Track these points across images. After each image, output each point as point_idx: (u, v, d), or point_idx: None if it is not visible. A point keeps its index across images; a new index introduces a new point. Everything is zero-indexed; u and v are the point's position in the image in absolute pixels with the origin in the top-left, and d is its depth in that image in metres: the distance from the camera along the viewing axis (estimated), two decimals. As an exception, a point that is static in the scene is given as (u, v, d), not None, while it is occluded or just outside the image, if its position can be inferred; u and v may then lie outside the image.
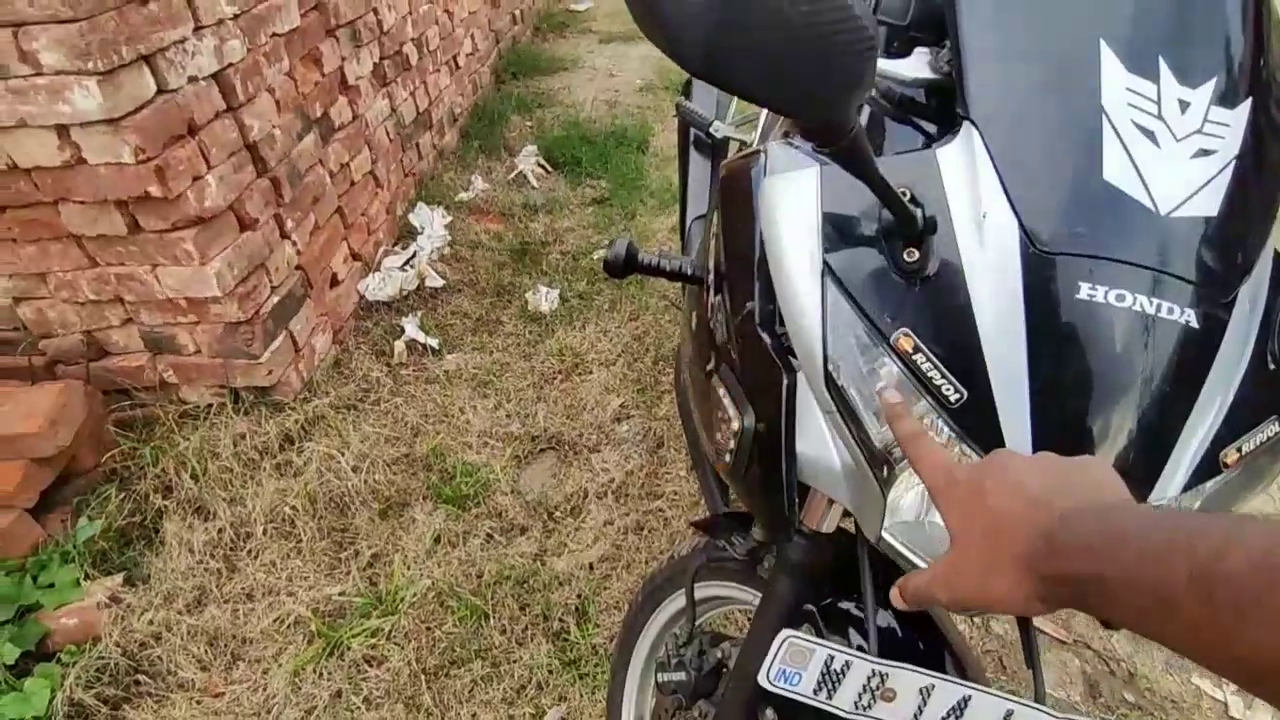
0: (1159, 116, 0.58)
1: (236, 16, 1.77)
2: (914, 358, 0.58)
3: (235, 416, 1.94)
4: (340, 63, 2.32)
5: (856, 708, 0.67)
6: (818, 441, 0.69)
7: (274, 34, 1.94)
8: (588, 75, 4.30)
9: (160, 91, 1.58)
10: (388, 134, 2.71)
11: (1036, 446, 0.56)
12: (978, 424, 0.57)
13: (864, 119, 0.80)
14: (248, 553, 1.70)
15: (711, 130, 1.75)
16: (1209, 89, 0.59)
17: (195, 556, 1.68)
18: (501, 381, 2.21)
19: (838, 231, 0.62)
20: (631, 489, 1.85)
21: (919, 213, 0.57)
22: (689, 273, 1.07)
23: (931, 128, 0.70)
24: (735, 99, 1.97)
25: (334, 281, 2.32)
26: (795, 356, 0.67)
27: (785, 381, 0.69)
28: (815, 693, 0.67)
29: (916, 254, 0.59)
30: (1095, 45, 0.59)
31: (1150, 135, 0.57)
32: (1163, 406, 0.56)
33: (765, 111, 1.56)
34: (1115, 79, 0.58)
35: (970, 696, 0.66)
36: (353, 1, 2.36)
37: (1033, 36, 0.63)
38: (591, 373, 2.22)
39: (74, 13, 1.36)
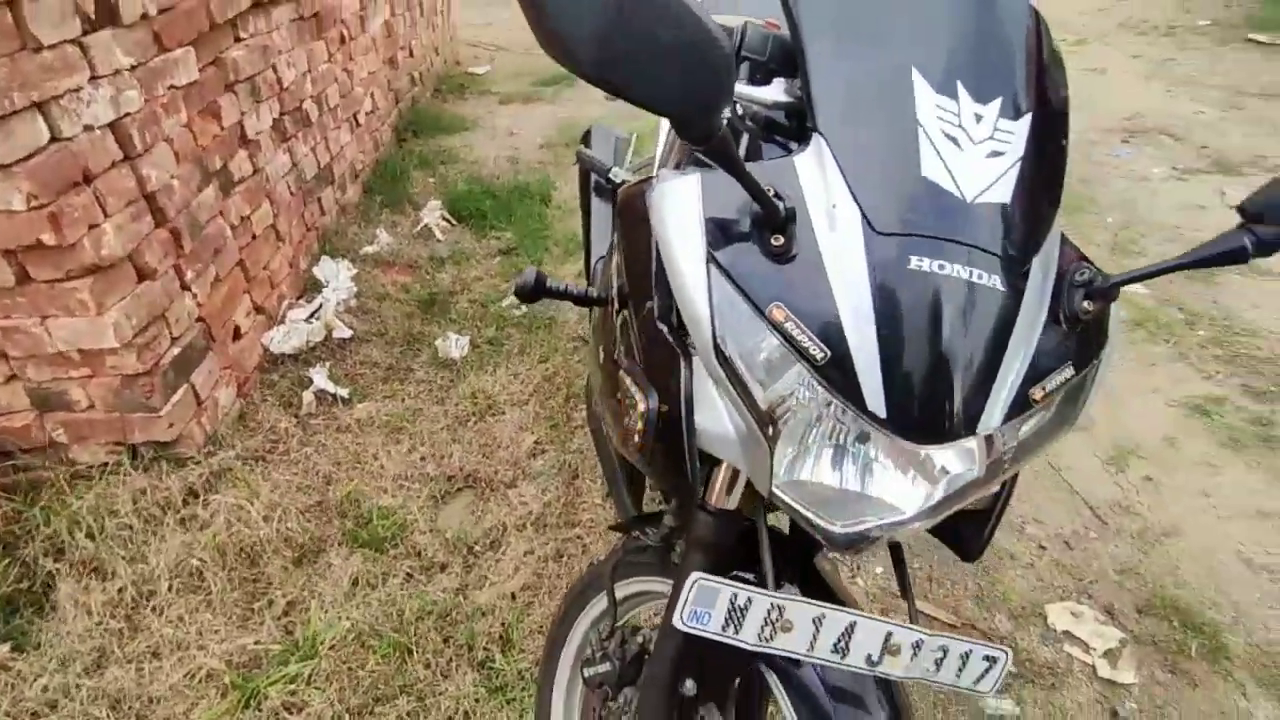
0: (959, 126, 0.71)
1: (134, 68, 1.78)
2: (785, 325, 0.67)
3: (134, 473, 1.87)
4: (239, 117, 2.33)
5: (760, 639, 0.74)
6: (713, 414, 0.77)
7: (172, 86, 1.95)
8: (489, 134, 4.42)
9: (54, 139, 1.57)
10: (289, 188, 2.72)
11: (886, 390, 0.66)
12: (840, 376, 0.66)
13: (745, 139, 0.92)
14: (152, 609, 1.63)
15: (610, 175, 1.87)
16: (997, 105, 0.73)
17: (94, 618, 1.60)
18: (415, 426, 2.21)
19: (717, 227, 0.71)
20: (549, 519, 1.88)
21: (781, 206, 0.68)
22: (593, 296, 1.16)
23: (790, 141, 0.82)
24: (631, 146, 2.12)
25: (237, 334, 2.29)
26: (690, 342, 0.76)
27: (682, 364, 0.78)
28: (723, 629, 0.74)
29: (782, 240, 0.69)
30: (909, 73, 0.73)
31: (954, 140, 0.71)
32: (981, 353, 0.67)
33: (659, 155, 1.69)
34: (926, 98, 0.72)
35: (856, 622, 0.74)
36: (251, 58, 2.39)
37: (863, 68, 0.76)
38: (505, 413, 2.25)
39: (-33, 60, 1.36)
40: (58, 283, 1.66)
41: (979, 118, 0.73)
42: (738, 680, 1.00)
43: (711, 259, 0.71)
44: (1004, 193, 0.71)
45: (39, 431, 1.87)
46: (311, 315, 2.57)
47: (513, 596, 1.69)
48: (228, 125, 2.26)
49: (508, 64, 5.52)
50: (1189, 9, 6.35)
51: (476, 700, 1.51)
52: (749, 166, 0.66)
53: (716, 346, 0.71)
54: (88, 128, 1.65)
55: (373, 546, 1.82)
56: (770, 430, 0.72)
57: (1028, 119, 0.74)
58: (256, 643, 1.60)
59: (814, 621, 0.75)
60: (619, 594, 1.12)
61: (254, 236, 2.44)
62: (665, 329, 0.81)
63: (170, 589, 1.67)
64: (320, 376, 2.31)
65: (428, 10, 4.82)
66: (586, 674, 1.11)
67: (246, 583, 1.72)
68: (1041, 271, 0.73)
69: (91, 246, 1.66)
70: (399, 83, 4.24)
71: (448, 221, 3.35)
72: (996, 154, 0.72)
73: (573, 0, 0.54)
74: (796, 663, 0.87)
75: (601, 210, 2.00)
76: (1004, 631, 1.62)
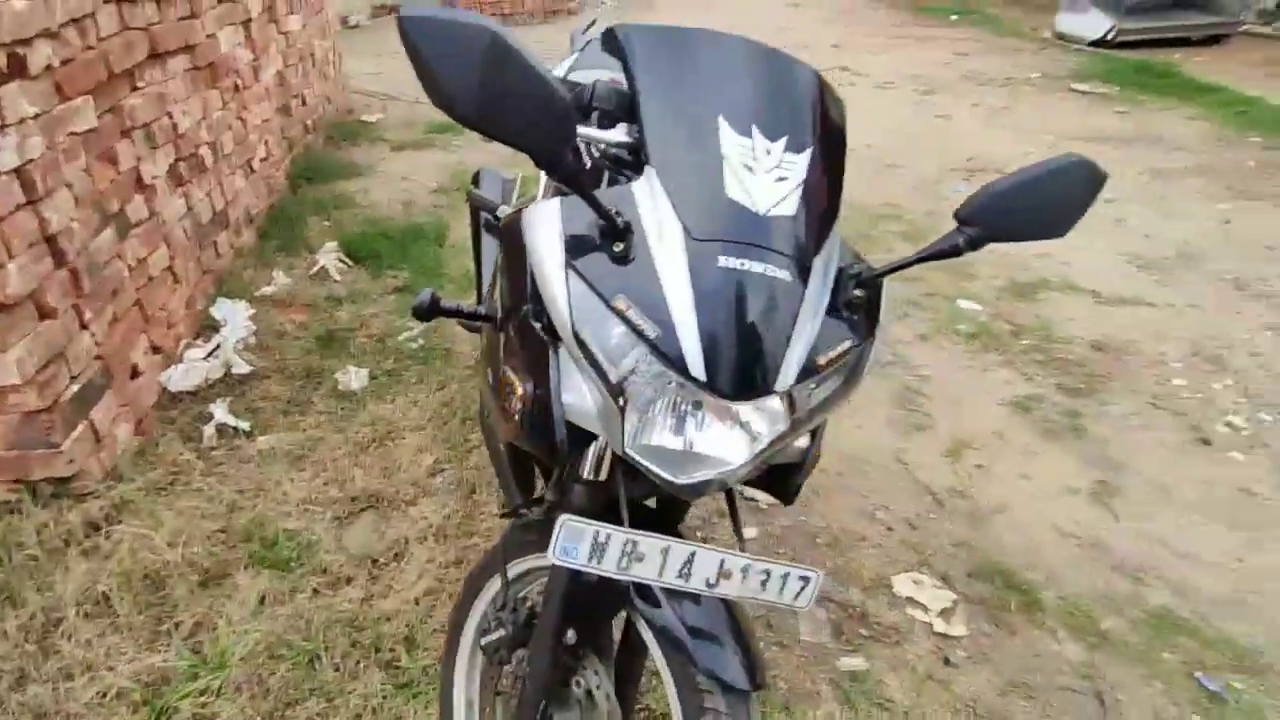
0: (754, 158, 0.95)
1: (37, 116, 1.86)
2: (627, 313, 0.88)
3: (35, 509, 1.90)
4: (136, 162, 2.41)
5: (619, 568, 0.94)
6: (578, 393, 0.97)
7: (72, 133, 2.03)
8: (383, 179, 4.54)
9: (-41, 184, 1.64)
10: (185, 232, 2.78)
11: (705, 359, 0.87)
12: (670, 350, 0.87)
13: (605, 174, 1.14)
14: (62, 634, 1.67)
15: (498, 213, 2.06)
16: (784, 142, 0.97)
17: (11, 641, 1.63)
18: (317, 454, 2.31)
19: (574, 240, 0.92)
20: (449, 530, 2.02)
21: (620, 221, 0.89)
22: (482, 313, 1.35)
23: (631, 172, 1.04)
24: (517, 187, 2.33)
25: (135, 373, 2.33)
26: (556, 334, 0.96)
27: (551, 354, 0.98)
28: (589, 560, 0.93)
29: (622, 247, 0.90)
30: (717, 120, 0.96)
31: (750, 169, 0.94)
32: (776, 329, 0.89)
33: (540, 193, 1.91)
34: (729, 138, 0.95)
35: (695, 552, 0.95)
36: (147, 106, 2.48)
37: (682, 116, 0.99)
38: (405, 438, 2.38)
39: (-125, 110, 1.43)
40: (-43, 321, 1.71)
41: (769, 152, 0.96)
42: (614, 631, 1.18)
43: (569, 265, 0.91)
44: (789, 208, 0.94)
45: (-69, 472, 1.88)
46: (210, 354, 2.63)
47: (416, 601, 1.82)
48: (125, 170, 2.34)
49: (399, 112, 5.66)
50: (1021, 64, 7.16)
51: (384, 697, 1.62)
52: (602, 192, 0.87)
53: (575, 334, 0.91)
54: (-9, 173, 1.72)
55: (279, 566, 1.91)
56: (621, 401, 0.92)
57: (809, 153, 0.98)
58: (164, 661, 1.66)
59: (661, 553, 0.95)
60: (511, 573, 1.28)
61: (151, 278, 2.50)
62: (538, 326, 1.01)
63: (78, 614, 1.71)
64: (220, 410, 2.38)
65: (320, 61, 4.94)
66: (484, 643, 1.26)
67: (153, 606, 1.78)
68: (823, 267, 0.96)
69: (-7, 286, 1.72)
70: (293, 130, 4.32)
71: (344, 263, 3.45)
72: (783, 179, 0.95)
73: (451, 62, 0.75)
74: (658, 604, 1.06)
75: (491, 245, 2.18)
76: (856, 602, 1.87)
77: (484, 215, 2.18)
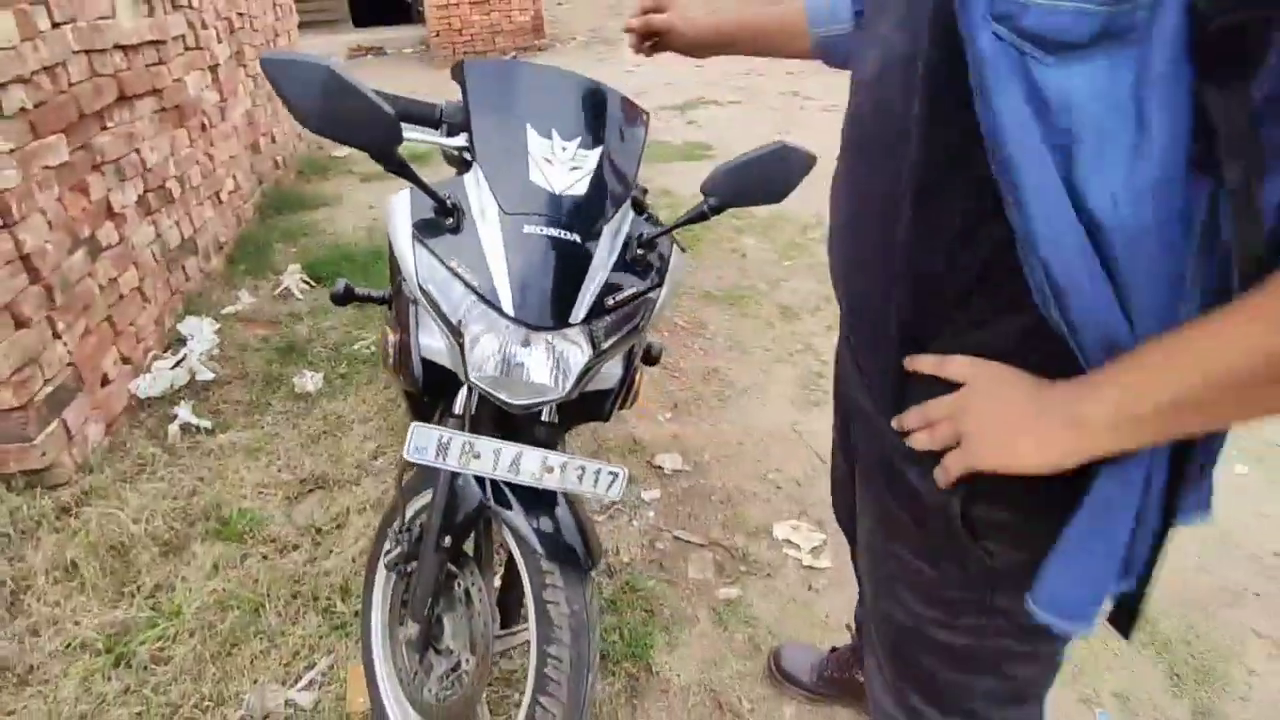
0: (552, 154, 1.24)
1: (12, 151, 2.14)
2: (459, 270, 1.15)
3: (9, 495, 2.15)
4: (106, 193, 2.69)
5: (460, 464, 1.20)
6: (433, 338, 1.25)
7: (45, 166, 2.31)
8: (349, 208, 4.84)
9: (-56, 208, 1.91)
10: (154, 256, 3.06)
11: (514, 299, 1.14)
12: (489, 295, 1.14)
13: (467, 175, 1.42)
14: (32, 597, 1.91)
15: None
16: (576, 142, 1.26)
17: (-21, 607, 1.87)
18: (272, 446, 2.56)
19: (419, 218, 1.20)
20: (386, 501, 2.27)
21: (450, 202, 1.17)
22: (382, 295, 1.63)
23: (464, 167, 1.32)
24: None
25: (105, 380, 2.59)
26: (411, 294, 1.23)
27: (411, 308, 1.25)
28: (435, 458, 1.19)
29: (453, 221, 1.18)
30: (525, 127, 1.26)
31: (549, 162, 1.23)
32: (569, 277, 1.17)
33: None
34: (534, 140, 1.24)
35: (522, 451, 1.21)
36: (116, 143, 2.77)
37: (500, 126, 1.28)
38: (353, 429, 2.63)
39: (-127, 144, 1.71)
40: (-57, 327, 1.97)
41: (565, 149, 1.25)
42: (480, 529, 1.43)
43: (416, 237, 1.19)
44: (580, 189, 1.23)
45: (-81, 466, 2.12)
46: (176, 364, 2.89)
47: (353, 560, 2.06)
48: (95, 199, 2.62)
49: (370, 148, 5.99)
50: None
51: (320, 636, 1.86)
52: (444, 182, 1.15)
53: (422, 289, 1.18)
54: (-29, 198, 2.00)
55: (232, 539, 2.15)
56: (461, 340, 1.19)
57: (597, 150, 1.27)
58: (125, 614, 1.90)
59: (494, 452, 1.21)
60: (409, 511, 1.54)
61: (121, 296, 2.76)
62: (405, 288, 1.28)
63: (47, 580, 1.95)
64: (185, 411, 2.63)
65: (288, 101, 5.26)
66: (386, 561, 1.51)
67: (118, 571, 2.02)
68: (612, 232, 1.24)
69: (-26, 295, 1.98)
70: (262, 165, 4.63)
71: (307, 284, 3.73)
72: (576, 168, 1.24)
73: (299, 89, 1.02)
74: (510, 506, 1.31)
75: None
76: (740, 545, 2.12)
77: None
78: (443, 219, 1.20)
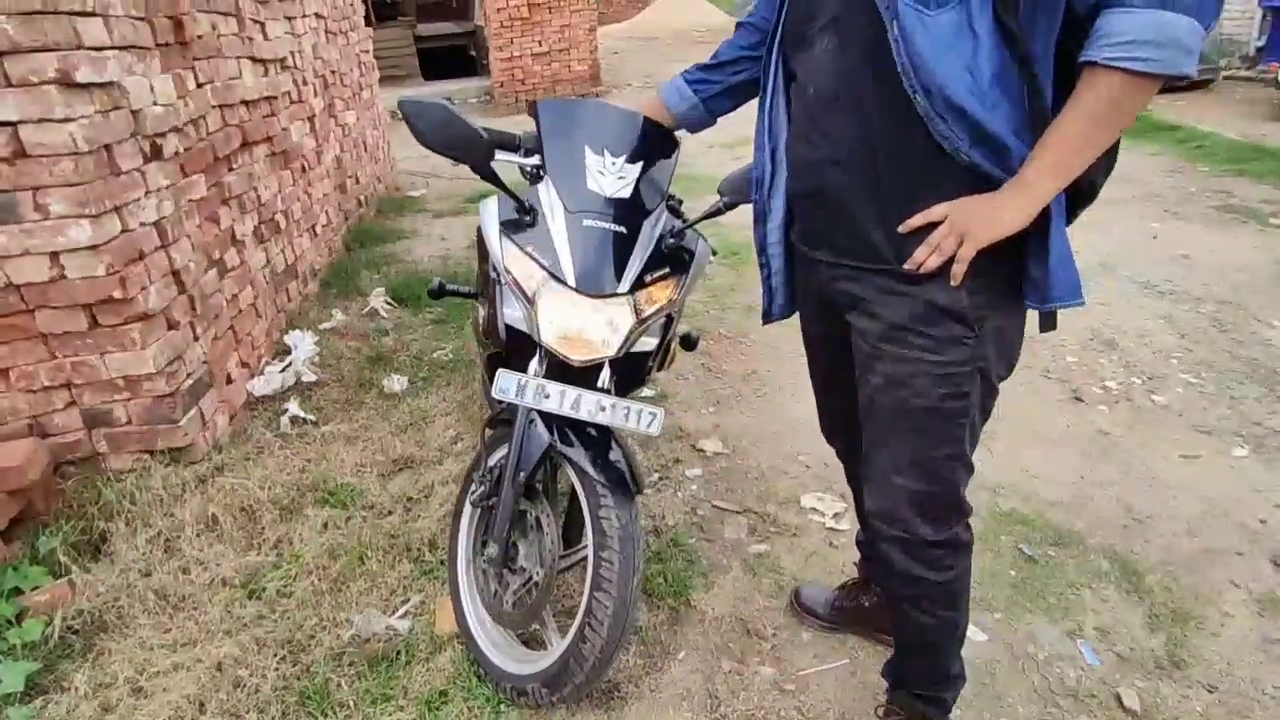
0: (604, 168, 1.62)
1: (167, 186, 2.63)
2: (534, 254, 1.54)
3: (159, 467, 2.59)
4: (232, 223, 3.19)
5: (533, 400, 1.56)
6: (512, 307, 1.63)
7: (190, 199, 2.80)
8: (424, 240, 5.35)
9: (124, 230, 2.39)
10: (265, 278, 3.55)
11: (575, 275, 1.51)
12: (557, 271, 1.52)
13: (540, 184, 1.81)
14: (183, 542, 2.33)
15: None
16: (623, 158, 1.64)
17: (140, 551, 2.29)
18: (367, 435, 2.97)
19: (505, 217, 1.59)
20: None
21: (527, 204, 1.56)
22: (471, 292, 2.03)
23: (536, 179, 1.71)
24: None
25: (229, 380, 3.05)
26: (498, 274, 1.62)
27: (497, 287, 1.64)
28: (515, 396, 1.56)
29: (530, 219, 1.57)
30: (584, 148, 1.65)
31: (602, 173, 1.61)
32: (616, 258, 1.54)
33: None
34: (590, 157, 1.63)
35: (581, 394, 1.57)
36: (240, 182, 3.28)
37: (566, 147, 1.67)
38: (435, 420, 3.03)
39: (80, 179, 2.20)
40: (117, 327, 2.44)
41: (614, 164, 1.63)
42: (547, 470, 1.78)
43: (502, 231, 1.58)
44: (626, 193, 1.61)
45: (88, 444, 2.58)
46: (284, 369, 3.35)
47: (439, 520, 2.43)
48: (224, 228, 3.11)
49: (440, 187, 6.56)
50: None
51: (414, 579, 2.23)
52: (525, 190, 1.56)
53: (506, 269, 1.57)
54: (142, 224, 2.48)
55: (338, 505, 2.55)
56: (534, 308, 1.56)
57: (639, 165, 1.65)
58: (256, 558, 2.30)
59: (560, 394, 1.57)
60: (491, 460, 1.90)
61: (240, 310, 3.24)
62: (493, 273, 1.67)
63: (193, 531, 2.37)
64: (294, 406, 3.07)
65: (371, 147, 5.85)
66: (471, 499, 1.88)
67: (247, 527, 2.43)
68: (650, 227, 1.61)
69: (143, 301, 2.45)
70: (348, 204, 5.18)
71: (390, 304, 4.20)
72: (622, 178, 1.62)
73: (424, 123, 1.43)
74: (572, 444, 1.66)
75: None
76: (771, 511, 2.43)
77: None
78: (522, 217, 1.59)
